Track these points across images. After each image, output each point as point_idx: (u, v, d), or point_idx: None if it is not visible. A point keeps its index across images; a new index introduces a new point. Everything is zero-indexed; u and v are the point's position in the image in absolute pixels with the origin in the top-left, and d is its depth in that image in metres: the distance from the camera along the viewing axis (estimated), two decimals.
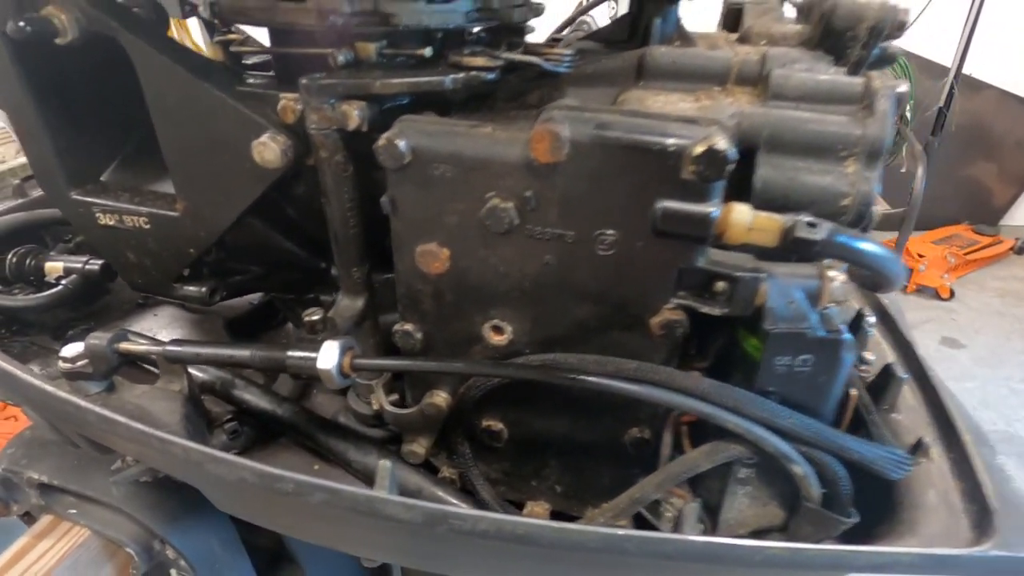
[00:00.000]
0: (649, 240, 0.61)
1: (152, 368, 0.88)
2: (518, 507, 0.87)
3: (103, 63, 0.76)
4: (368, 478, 0.84)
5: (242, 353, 0.73)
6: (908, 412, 0.84)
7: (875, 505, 0.73)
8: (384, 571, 1.15)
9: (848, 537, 0.72)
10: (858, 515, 0.69)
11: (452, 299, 0.71)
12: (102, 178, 0.86)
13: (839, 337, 0.61)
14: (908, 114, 4.16)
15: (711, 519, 0.74)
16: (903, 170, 4.13)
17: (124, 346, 0.74)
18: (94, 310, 1.10)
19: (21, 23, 0.67)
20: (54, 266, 1.02)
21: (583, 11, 1.01)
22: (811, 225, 0.55)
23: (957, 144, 4.41)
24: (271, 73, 0.83)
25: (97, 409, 0.68)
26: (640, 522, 0.78)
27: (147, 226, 0.81)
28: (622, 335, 0.68)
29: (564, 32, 1.07)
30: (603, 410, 0.74)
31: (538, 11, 0.91)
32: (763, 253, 0.62)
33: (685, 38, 0.79)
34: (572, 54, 0.73)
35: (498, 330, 0.71)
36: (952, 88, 3.68)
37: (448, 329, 0.73)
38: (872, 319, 0.96)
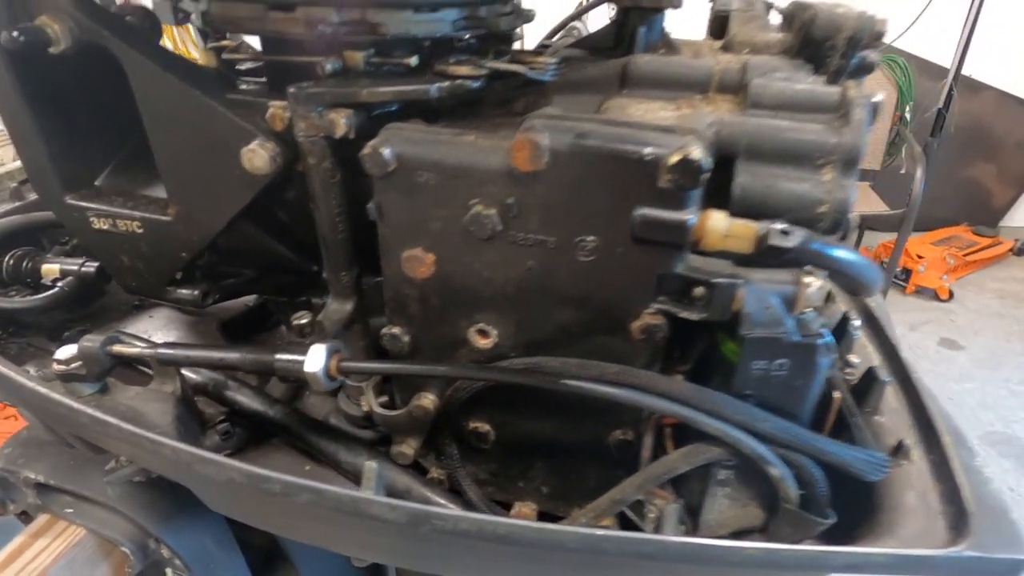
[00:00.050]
0: (628, 246, 0.62)
1: (146, 369, 0.90)
2: (506, 507, 0.88)
3: (97, 70, 0.77)
4: (358, 478, 0.85)
5: (231, 356, 0.74)
6: (891, 414, 0.85)
7: (856, 506, 0.74)
8: (379, 570, 1.17)
9: (830, 537, 0.74)
10: (835, 516, 0.70)
11: (438, 303, 0.72)
12: (96, 183, 0.88)
13: (814, 342, 0.62)
14: (908, 115, 4.16)
15: (693, 520, 0.75)
16: (903, 171, 4.15)
17: (117, 348, 0.76)
18: (90, 312, 1.11)
19: (15, 33, 0.69)
20: (50, 268, 1.04)
21: (573, 17, 1.02)
22: (784, 233, 0.57)
23: (957, 145, 4.41)
24: (264, 79, 0.85)
25: (89, 411, 0.70)
26: (626, 522, 0.80)
27: (140, 230, 0.82)
28: (605, 339, 0.69)
29: (555, 38, 1.08)
30: (587, 413, 0.75)
31: (528, 17, 0.92)
32: (742, 259, 0.63)
33: (670, 46, 0.81)
34: (556, 63, 0.75)
35: (483, 334, 0.73)
36: (951, 89, 3.68)
37: (435, 332, 0.74)
38: (857, 322, 0.98)
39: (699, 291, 0.63)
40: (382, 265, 0.72)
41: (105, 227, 0.83)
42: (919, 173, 3.64)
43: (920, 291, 4.24)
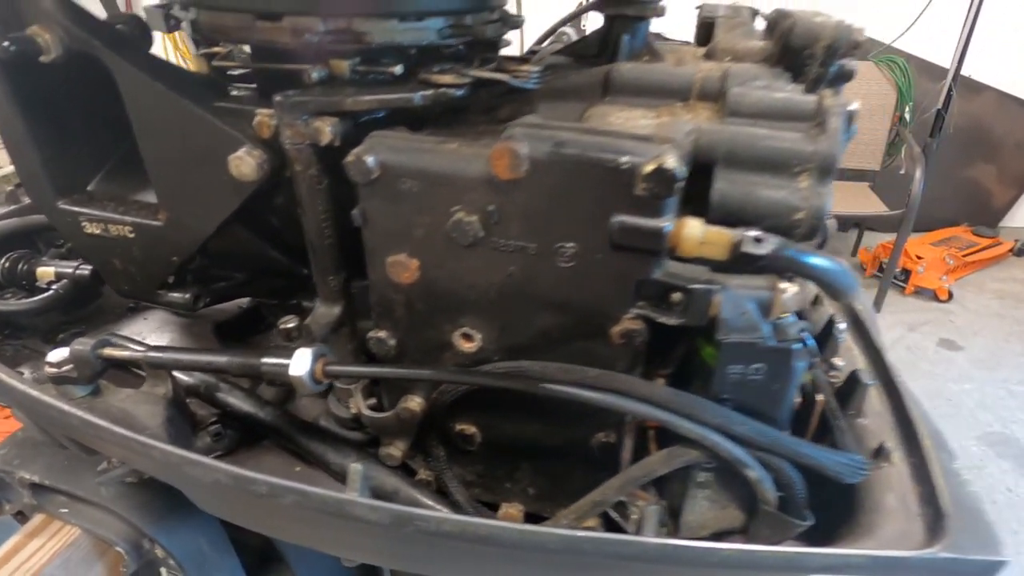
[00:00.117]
0: (607, 253, 0.63)
1: (140, 371, 0.91)
2: (493, 508, 0.90)
3: (89, 77, 0.78)
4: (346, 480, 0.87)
5: (219, 359, 0.75)
6: (874, 417, 0.86)
7: (839, 508, 0.75)
8: (374, 570, 1.18)
9: (812, 538, 0.75)
10: (813, 518, 0.71)
11: (422, 308, 0.73)
12: (89, 188, 0.89)
13: (790, 347, 0.63)
14: (907, 116, 4.16)
15: (675, 521, 0.76)
16: (902, 172, 4.15)
17: (107, 352, 0.77)
18: (86, 314, 1.13)
19: (6, 43, 0.70)
20: (46, 271, 1.05)
21: (562, 23, 1.03)
22: (757, 240, 0.58)
23: (956, 146, 4.41)
24: (255, 85, 0.86)
25: (80, 413, 0.71)
26: (611, 524, 0.81)
27: (131, 235, 0.83)
28: (586, 343, 0.70)
29: (544, 43, 1.09)
30: (571, 415, 0.76)
31: (516, 24, 0.93)
32: (719, 265, 0.64)
33: (654, 53, 0.82)
34: (539, 71, 0.76)
35: (468, 337, 0.74)
36: (950, 90, 3.69)
37: (420, 336, 0.76)
38: (843, 325, 0.99)
39: (677, 296, 0.64)
40: (368, 270, 0.73)
41: (97, 232, 0.85)
42: (918, 173, 3.64)
43: (919, 292, 4.23)
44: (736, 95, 0.68)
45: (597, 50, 0.85)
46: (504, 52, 0.94)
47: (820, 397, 0.82)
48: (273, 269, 0.93)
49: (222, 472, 0.66)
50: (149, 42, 0.86)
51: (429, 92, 0.71)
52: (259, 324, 1.16)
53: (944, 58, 3.88)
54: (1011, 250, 4.64)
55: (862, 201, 4.11)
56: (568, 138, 0.60)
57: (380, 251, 0.70)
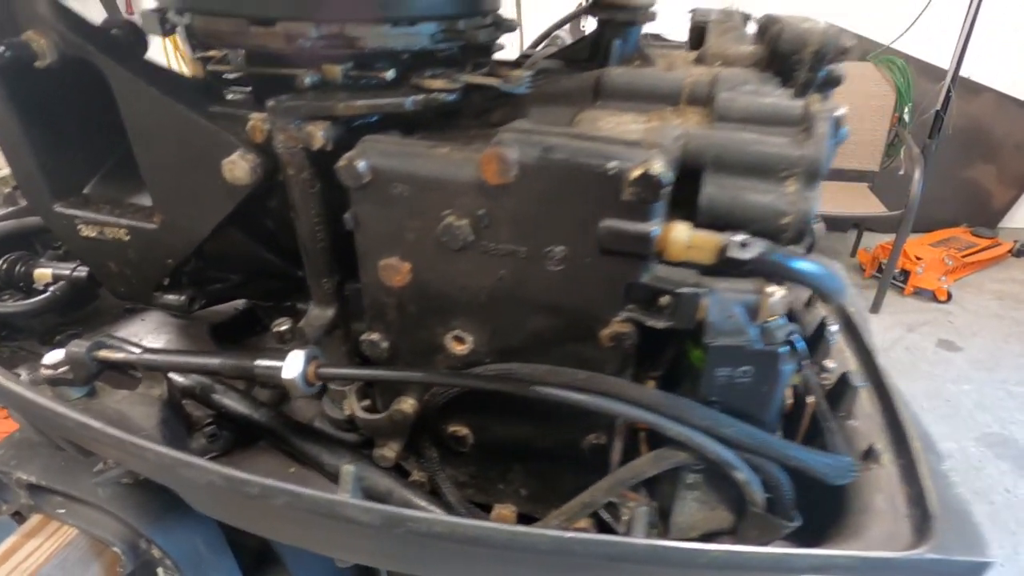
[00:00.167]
0: (596, 257, 0.64)
1: (136, 373, 0.92)
2: (487, 509, 0.90)
3: (85, 81, 0.79)
4: None
5: (212, 361, 0.76)
6: (864, 419, 0.86)
7: (829, 508, 0.76)
8: (371, 571, 1.18)
9: (803, 538, 0.75)
10: (801, 519, 0.71)
11: (414, 310, 0.74)
12: (85, 191, 0.90)
13: (777, 350, 0.64)
14: (906, 117, 4.17)
15: (665, 523, 0.77)
16: (901, 172, 4.15)
17: (102, 354, 0.78)
18: (83, 315, 1.14)
19: (1, 48, 0.71)
20: (43, 273, 1.06)
21: (556, 27, 1.04)
22: (743, 245, 0.58)
23: (956, 146, 4.41)
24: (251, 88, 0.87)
25: (74, 415, 0.72)
26: (604, 525, 0.82)
27: (127, 238, 0.84)
28: (576, 346, 0.71)
29: (539, 48, 1.09)
30: (561, 417, 0.77)
31: (510, 28, 0.93)
32: (707, 269, 0.65)
33: (645, 58, 0.82)
34: (530, 76, 0.76)
35: (459, 340, 0.74)
36: (949, 91, 3.69)
37: (412, 339, 0.76)
38: (835, 328, 0.99)
39: (665, 300, 0.65)
40: (360, 273, 0.74)
41: (93, 234, 0.85)
42: (917, 174, 3.65)
43: (918, 292, 4.23)
44: (724, 100, 0.68)
45: (589, 54, 0.85)
46: (502, 53, 0.95)
47: (810, 399, 0.82)
48: (268, 271, 0.94)
49: (215, 473, 0.66)
50: (144, 47, 0.86)
51: (420, 97, 0.71)
52: (255, 326, 1.17)
53: (943, 59, 3.88)
54: (1010, 251, 4.64)
55: (861, 202, 4.11)
56: (556, 143, 0.61)
57: (372, 254, 0.71)
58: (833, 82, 0.72)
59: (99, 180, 0.91)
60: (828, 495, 0.75)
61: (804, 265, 0.61)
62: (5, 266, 1.07)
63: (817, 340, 0.98)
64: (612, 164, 0.59)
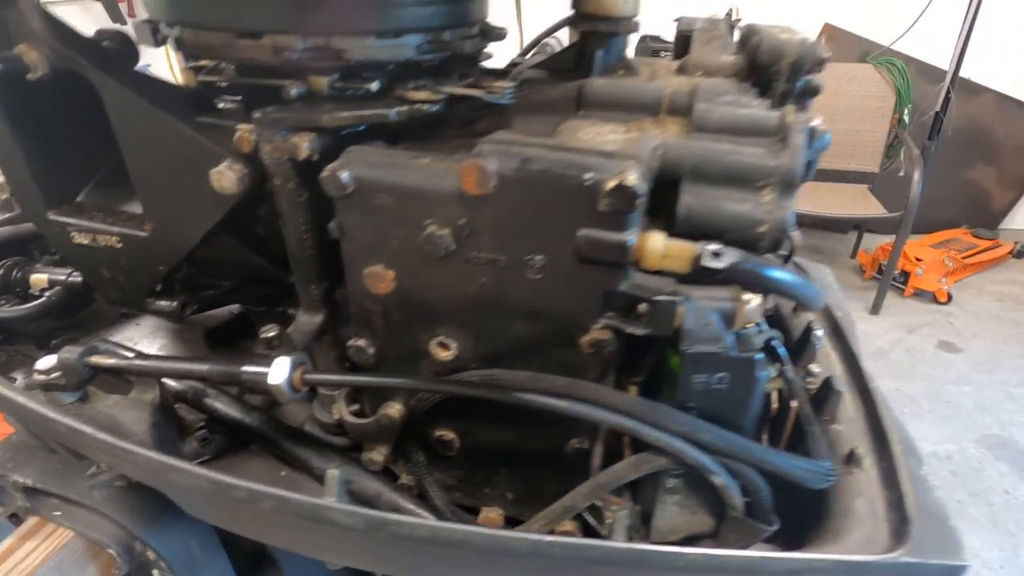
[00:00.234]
0: (574, 265, 0.65)
1: (130, 377, 0.93)
2: (474, 512, 0.91)
3: (78, 92, 0.80)
4: None
5: (201, 367, 0.77)
6: (848, 423, 0.87)
7: (813, 512, 0.77)
8: (364, 574, 1.19)
9: (787, 542, 0.76)
10: (779, 523, 0.72)
11: (399, 317, 0.75)
12: (78, 199, 0.91)
13: (753, 356, 0.65)
14: (906, 118, 4.17)
15: (647, 526, 0.78)
16: (901, 174, 4.15)
17: (94, 359, 0.79)
18: (79, 320, 1.15)
19: None
20: (39, 278, 1.08)
21: (545, 35, 1.05)
22: (716, 254, 0.59)
23: (956, 148, 4.41)
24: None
25: (66, 420, 0.73)
26: (589, 528, 0.83)
27: (119, 245, 0.86)
28: (559, 352, 0.72)
29: (528, 55, 1.10)
30: (545, 423, 0.78)
31: (499, 36, 0.95)
32: (686, 277, 0.66)
33: (628, 68, 0.83)
34: (513, 86, 0.77)
35: (444, 346, 0.76)
36: (948, 92, 3.69)
37: (397, 345, 0.77)
38: (820, 332, 1.00)
39: (643, 307, 0.66)
40: (346, 280, 0.75)
41: (86, 242, 0.87)
42: (917, 175, 3.65)
43: (918, 294, 4.23)
44: (702, 111, 0.69)
45: (573, 64, 0.87)
46: (496, 57, 0.96)
47: (794, 403, 0.83)
48: (259, 277, 0.95)
49: (201, 477, 0.68)
50: (135, 57, 0.88)
51: (404, 108, 0.73)
52: (250, 330, 1.18)
53: (943, 60, 3.88)
54: (1011, 252, 4.64)
55: (861, 203, 4.12)
56: (534, 155, 0.62)
57: (357, 262, 0.72)
58: (811, 92, 0.73)
59: (92, 188, 0.93)
60: (812, 499, 0.76)
61: (778, 274, 0.62)
62: (2, 271, 1.08)
63: (803, 344, 0.99)
64: (588, 175, 0.60)
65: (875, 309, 4.05)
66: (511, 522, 0.90)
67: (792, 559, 0.65)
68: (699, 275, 0.63)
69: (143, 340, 1.13)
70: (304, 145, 0.70)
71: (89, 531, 0.97)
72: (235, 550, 1.08)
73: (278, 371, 0.73)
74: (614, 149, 0.64)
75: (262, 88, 0.77)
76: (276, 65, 0.74)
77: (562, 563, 0.65)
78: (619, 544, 0.68)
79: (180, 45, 0.78)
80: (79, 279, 1.06)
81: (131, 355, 0.85)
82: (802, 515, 0.77)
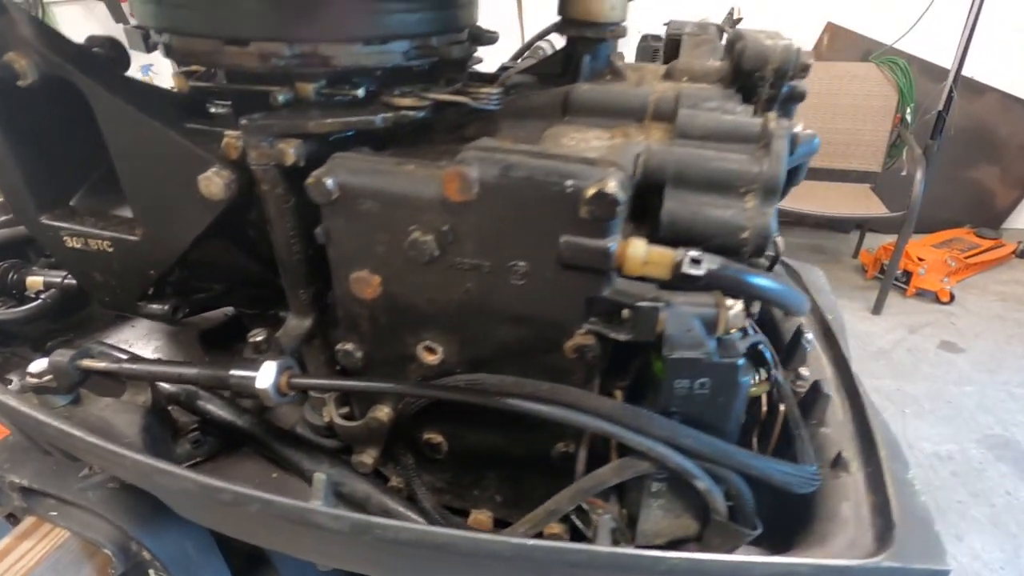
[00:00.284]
0: (557, 271, 0.66)
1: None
2: (463, 515, 0.92)
3: (69, 98, 0.81)
4: None
5: (190, 371, 0.78)
6: (836, 427, 0.88)
7: (800, 516, 0.77)
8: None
9: (775, 546, 0.77)
10: (762, 527, 0.73)
11: (386, 322, 0.75)
12: (71, 203, 0.92)
13: (735, 362, 0.65)
14: (908, 117, 4.16)
15: (632, 530, 0.79)
16: (903, 173, 4.14)
17: (85, 363, 0.80)
18: (75, 322, 1.16)
19: None
20: (35, 280, 1.09)
21: (535, 39, 1.05)
22: (695, 261, 0.60)
23: (959, 147, 4.39)
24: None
25: (56, 423, 0.74)
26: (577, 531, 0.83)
27: (110, 249, 0.86)
28: (544, 357, 0.73)
29: (520, 59, 1.11)
30: (531, 426, 0.78)
31: (489, 41, 0.95)
32: (668, 283, 0.66)
33: (616, 73, 0.84)
34: (499, 93, 0.78)
35: (430, 350, 0.76)
36: (951, 91, 3.68)
37: (385, 349, 0.78)
38: (810, 336, 1.01)
39: (626, 313, 0.66)
40: (333, 285, 0.76)
41: (78, 246, 0.88)
42: (919, 175, 3.64)
43: (921, 293, 4.22)
44: (685, 116, 0.70)
45: (561, 69, 0.87)
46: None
47: (782, 407, 0.84)
48: (251, 280, 0.96)
49: (189, 480, 0.68)
50: (126, 63, 0.88)
51: (390, 114, 0.73)
52: (244, 332, 1.18)
53: (945, 59, 3.86)
54: (1014, 252, 4.61)
55: (863, 203, 4.11)
56: (516, 162, 0.63)
57: (343, 267, 0.73)
58: (796, 98, 0.74)
59: (85, 192, 0.94)
60: (800, 502, 0.76)
61: (759, 280, 0.63)
62: None
63: (794, 348, 0.99)
64: (569, 183, 0.61)
65: (877, 309, 4.04)
66: (501, 524, 0.91)
67: (774, 563, 0.66)
68: (680, 281, 0.63)
69: (138, 342, 1.14)
70: (290, 151, 0.70)
71: (85, 531, 0.98)
72: (231, 551, 1.09)
73: (265, 375, 0.74)
74: (596, 156, 0.65)
75: (250, 94, 0.77)
76: (263, 72, 0.74)
77: (545, 566, 0.65)
78: (601, 547, 0.68)
79: (169, 52, 0.79)
80: (74, 282, 1.07)
81: (123, 358, 0.86)
82: (789, 518, 0.78)
